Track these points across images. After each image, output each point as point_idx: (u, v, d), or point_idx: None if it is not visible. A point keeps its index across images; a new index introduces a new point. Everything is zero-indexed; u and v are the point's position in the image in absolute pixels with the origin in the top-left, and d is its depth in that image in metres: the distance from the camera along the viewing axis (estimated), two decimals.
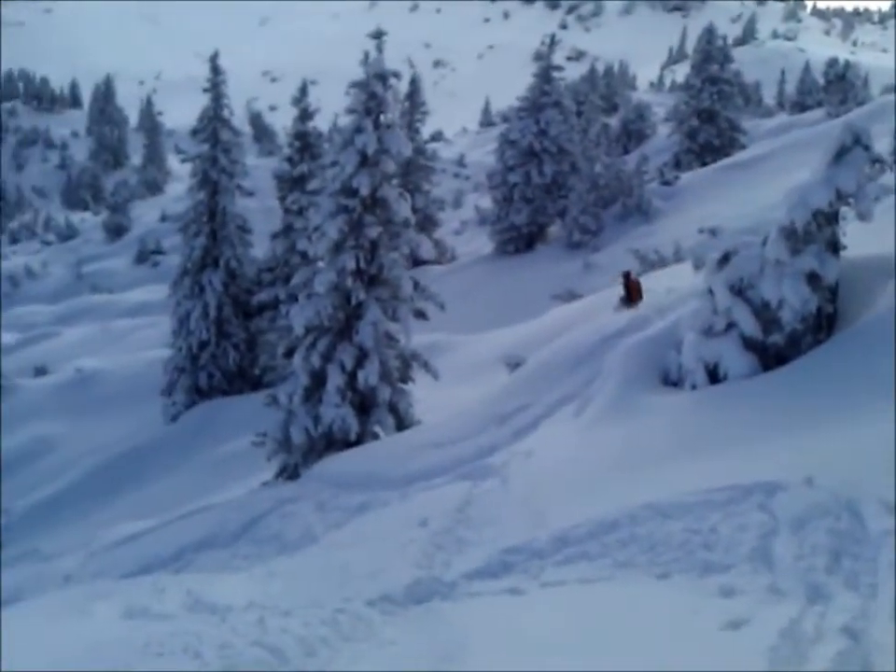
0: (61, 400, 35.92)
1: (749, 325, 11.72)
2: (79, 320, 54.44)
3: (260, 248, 34.18)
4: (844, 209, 11.43)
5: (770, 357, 11.66)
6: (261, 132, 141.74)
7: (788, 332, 11.51)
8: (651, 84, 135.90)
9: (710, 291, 12.27)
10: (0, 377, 37.76)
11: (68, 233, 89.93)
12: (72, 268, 73.78)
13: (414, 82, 52.81)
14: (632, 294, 20.24)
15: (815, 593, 6.32)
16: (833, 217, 11.42)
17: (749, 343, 11.79)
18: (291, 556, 11.97)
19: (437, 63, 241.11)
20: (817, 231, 11.29)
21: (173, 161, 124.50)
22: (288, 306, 23.84)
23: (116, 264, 75.09)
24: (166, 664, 6.56)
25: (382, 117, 18.49)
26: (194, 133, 33.92)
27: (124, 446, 29.44)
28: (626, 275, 20.94)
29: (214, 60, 32.12)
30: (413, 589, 8.38)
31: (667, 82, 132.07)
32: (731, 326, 12.02)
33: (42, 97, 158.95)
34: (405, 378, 19.71)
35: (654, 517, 8.27)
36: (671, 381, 12.85)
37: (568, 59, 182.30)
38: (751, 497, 7.91)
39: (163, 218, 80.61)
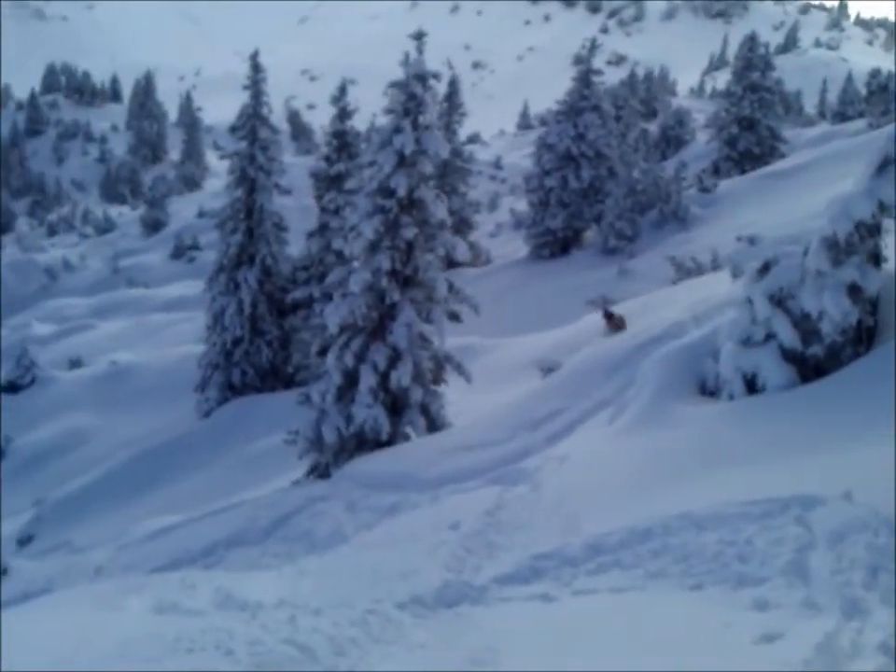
0: (95, 393, 36.24)
1: (789, 336, 11.57)
2: (115, 314, 54.85)
3: (296, 246, 34.32)
4: (886, 221, 11.30)
5: (809, 368, 11.50)
6: (299, 130, 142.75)
7: (828, 344, 11.34)
8: (692, 90, 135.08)
9: (749, 301, 12.12)
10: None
11: (106, 227, 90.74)
12: (109, 261, 74.31)
13: (453, 84, 52.80)
14: (615, 327, 20.66)
15: (851, 608, 6.21)
16: (875, 229, 11.25)
17: (787, 355, 11.63)
18: (321, 555, 11.96)
19: (476, 65, 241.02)
20: (859, 242, 11.13)
21: (211, 158, 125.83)
22: (323, 305, 23.88)
23: (152, 259, 75.58)
24: (197, 659, 6.57)
25: (420, 117, 18.39)
26: (233, 129, 34.16)
27: (157, 440, 29.63)
28: (609, 315, 21.29)
29: (254, 58, 32.33)
30: (443, 592, 8.36)
31: (708, 89, 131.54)
32: (770, 336, 11.86)
33: (83, 91, 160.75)
34: (438, 380, 19.65)
35: (688, 528, 8.17)
36: (708, 390, 12.70)
37: (608, 63, 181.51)
38: (788, 511, 7.79)
39: (200, 214, 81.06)
